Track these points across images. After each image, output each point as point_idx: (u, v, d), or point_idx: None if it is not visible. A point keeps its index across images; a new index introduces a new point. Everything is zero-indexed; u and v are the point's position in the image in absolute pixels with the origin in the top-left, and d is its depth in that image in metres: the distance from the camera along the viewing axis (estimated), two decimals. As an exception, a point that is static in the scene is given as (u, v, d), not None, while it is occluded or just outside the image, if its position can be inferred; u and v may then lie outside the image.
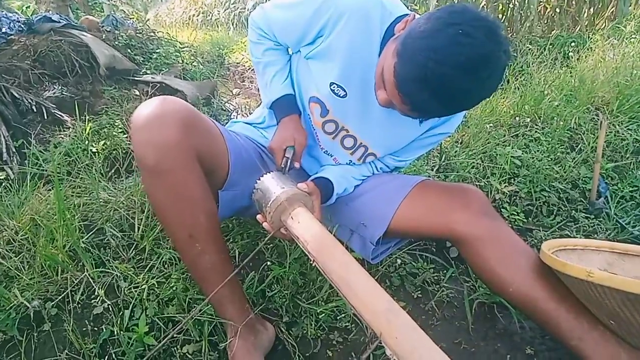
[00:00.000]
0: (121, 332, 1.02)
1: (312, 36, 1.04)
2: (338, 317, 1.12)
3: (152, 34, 3.67)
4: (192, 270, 1.01)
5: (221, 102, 2.94)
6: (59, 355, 1.01)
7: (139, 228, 1.27)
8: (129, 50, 3.20)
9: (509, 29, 3.87)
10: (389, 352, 0.69)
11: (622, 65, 2.50)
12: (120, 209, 1.33)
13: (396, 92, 0.82)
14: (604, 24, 3.67)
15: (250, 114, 1.34)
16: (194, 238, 0.95)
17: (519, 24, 3.83)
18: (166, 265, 1.17)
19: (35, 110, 2.29)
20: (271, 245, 1.27)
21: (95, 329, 1.07)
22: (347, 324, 1.12)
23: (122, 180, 1.68)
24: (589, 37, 3.28)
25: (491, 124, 1.98)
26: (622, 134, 1.99)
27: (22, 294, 1.07)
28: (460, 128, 1.98)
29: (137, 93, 2.78)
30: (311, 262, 0.86)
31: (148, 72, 3.06)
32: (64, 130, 2.23)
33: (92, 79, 2.75)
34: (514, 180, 1.67)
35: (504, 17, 3.89)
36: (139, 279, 1.12)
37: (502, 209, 1.53)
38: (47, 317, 1.07)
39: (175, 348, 1.03)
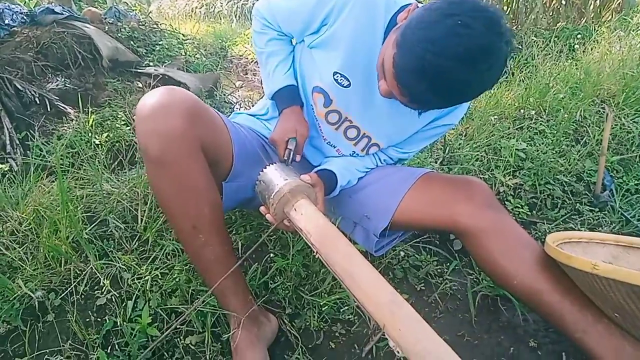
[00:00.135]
0: (124, 323, 1.02)
1: (317, 25, 1.03)
2: (341, 309, 1.12)
3: (154, 26, 3.66)
4: (196, 261, 1.01)
5: (224, 95, 2.93)
6: (63, 346, 1.01)
7: (142, 219, 1.27)
8: (131, 43, 3.19)
9: (513, 21, 3.83)
10: (392, 344, 0.69)
11: (628, 58, 2.48)
12: (123, 201, 1.33)
13: (395, 83, 0.81)
14: (610, 16, 3.63)
15: (253, 106, 1.33)
16: (197, 229, 0.95)
17: (524, 16, 3.79)
18: (169, 257, 1.17)
19: (38, 102, 2.29)
20: (274, 237, 1.27)
21: (99, 319, 1.07)
22: (350, 316, 1.12)
23: (125, 172, 1.67)
24: (594, 29, 3.24)
25: (496, 116, 1.96)
26: (628, 127, 1.97)
27: (26, 285, 1.07)
28: (464, 120, 1.97)
29: (140, 85, 2.77)
30: (314, 254, 0.85)
31: (151, 64, 3.05)
32: (67, 123, 2.23)
33: (95, 71, 2.74)
34: (519, 173, 1.65)
35: (509, 9, 3.84)
36: (142, 270, 1.12)
37: (506, 202, 1.52)
38: (51, 308, 1.07)
39: (178, 339, 1.03)
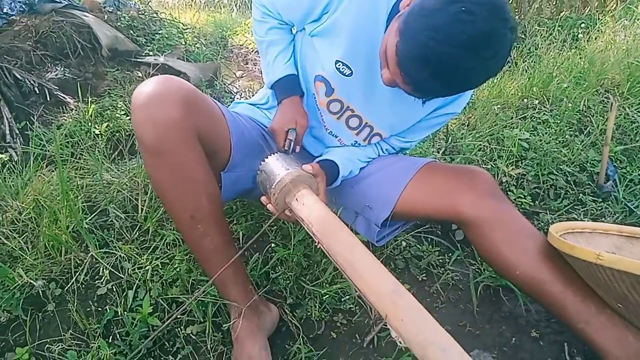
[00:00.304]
0: (125, 312, 1.02)
1: (318, 13, 1.01)
2: (342, 299, 1.12)
3: (154, 15, 3.62)
4: (195, 251, 1.01)
5: (224, 84, 2.90)
6: (64, 335, 1.01)
7: (142, 209, 1.26)
8: (131, 32, 3.16)
9: (517, 10, 3.79)
10: (394, 334, 0.68)
11: (633, 47, 2.45)
12: (123, 191, 1.33)
13: (398, 71, 0.80)
14: (614, 5, 3.58)
15: (253, 96, 1.32)
16: (195, 219, 0.94)
17: (527, 5, 3.74)
18: (170, 247, 1.17)
19: (37, 91, 2.27)
20: (275, 227, 1.27)
21: (99, 309, 1.07)
22: (351, 306, 1.12)
23: (125, 162, 1.67)
24: (599, 18, 3.20)
25: (499, 106, 1.95)
26: (632, 117, 1.95)
27: (26, 274, 1.07)
28: (467, 110, 1.95)
29: (140, 75, 2.75)
30: (316, 244, 0.85)
31: (151, 53, 3.02)
32: (67, 112, 2.22)
33: (94, 61, 2.72)
34: (521, 163, 1.64)
35: (513, -3, 3.80)
36: (143, 260, 1.11)
37: (509, 192, 1.51)
38: (52, 298, 1.07)
39: (179, 329, 1.03)
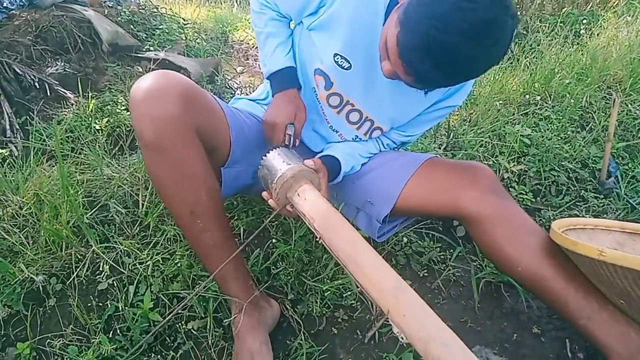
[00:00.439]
0: (126, 307, 1.02)
1: (314, 5, 1.00)
2: (344, 295, 1.11)
3: (155, 10, 3.60)
4: (195, 247, 1.00)
5: (225, 80, 2.89)
6: (64, 330, 1.01)
7: (143, 205, 1.26)
8: (131, 27, 3.15)
9: (518, 6, 3.77)
10: (396, 330, 0.68)
11: (635, 43, 2.43)
12: (124, 186, 1.32)
13: (399, 62, 0.79)
14: (617, 1, 3.56)
15: (254, 92, 1.31)
16: (195, 215, 0.94)
17: (529, 1, 3.73)
18: (170, 242, 1.17)
19: (37, 86, 2.26)
20: (276, 222, 1.26)
21: (100, 304, 1.07)
22: (352, 301, 1.12)
23: (126, 157, 1.66)
24: (601, 14, 3.19)
25: (500, 102, 1.94)
26: (635, 113, 1.94)
27: (27, 269, 1.06)
28: (468, 106, 1.94)
29: (140, 70, 2.74)
30: (317, 240, 0.84)
31: (151, 48, 3.01)
32: (67, 107, 2.21)
33: (94, 56, 2.71)
34: (523, 159, 1.64)
35: (515, -7, 3.78)
36: (144, 255, 1.11)
37: (510, 188, 1.51)
38: (52, 293, 1.07)
39: (180, 324, 1.03)
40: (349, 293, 1.11)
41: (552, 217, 1.42)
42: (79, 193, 1.26)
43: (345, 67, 1.02)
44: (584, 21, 3.16)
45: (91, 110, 2.04)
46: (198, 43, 3.43)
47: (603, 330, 0.90)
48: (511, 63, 2.43)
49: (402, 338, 0.67)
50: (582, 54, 2.41)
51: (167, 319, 0.95)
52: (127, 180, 1.36)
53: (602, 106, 2.00)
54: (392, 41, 0.79)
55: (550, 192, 1.56)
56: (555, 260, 0.95)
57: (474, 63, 0.76)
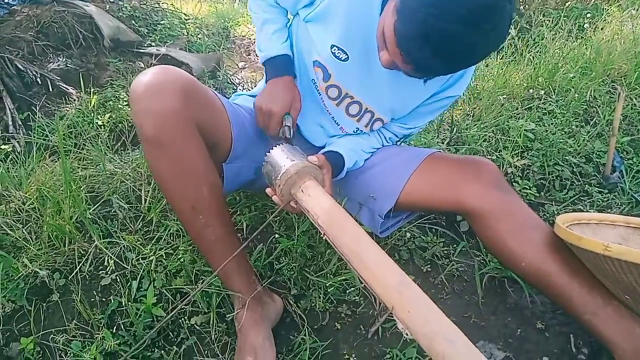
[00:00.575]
0: (129, 303, 1.02)
1: None
2: (347, 291, 1.11)
3: (156, 5, 3.59)
4: (197, 242, 1.00)
5: (227, 75, 2.89)
6: (68, 325, 1.01)
7: (145, 200, 1.26)
8: (133, 22, 3.14)
9: (521, 1, 3.75)
10: (400, 326, 0.68)
11: (640, 37, 2.42)
12: (126, 181, 1.32)
13: (397, 51, 0.78)
14: (621, -6, 3.53)
15: (255, 87, 1.30)
16: (197, 210, 0.93)
17: (533, -6, 3.70)
18: (173, 237, 1.17)
19: (39, 82, 2.26)
20: (279, 218, 1.26)
21: (104, 299, 1.07)
22: (355, 297, 1.12)
23: (129, 153, 1.66)
24: (605, 8, 3.16)
25: (504, 96, 1.93)
26: (639, 107, 1.93)
27: (31, 264, 1.06)
28: (472, 100, 1.93)
29: (142, 65, 2.73)
30: (321, 236, 0.84)
31: (153, 44, 3.00)
32: (69, 103, 2.21)
33: (96, 51, 2.70)
34: (527, 153, 1.63)
35: (518, -13, 3.75)
36: (147, 250, 1.11)
37: (514, 183, 1.50)
38: (56, 288, 1.07)
39: (183, 319, 1.03)
40: (353, 289, 1.11)
41: (556, 212, 1.41)
42: (81, 188, 1.26)
43: (343, 59, 1.02)
44: (588, 15, 3.13)
45: (93, 106, 2.04)
46: (200, 38, 3.42)
47: (608, 326, 0.89)
48: (515, 57, 2.41)
49: (407, 334, 0.67)
50: (586, 48, 2.39)
51: (170, 314, 0.95)
52: (130, 175, 1.36)
53: (607, 100, 1.99)
54: (389, 30, 0.78)
55: (554, 186, 1.55)
56: (559, 255, 0.95)
57: (473, 49, 0.75)
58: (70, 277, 1.09)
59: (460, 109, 1.88)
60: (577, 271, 0.94)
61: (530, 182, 1.52)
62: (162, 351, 0.99)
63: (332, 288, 1.09)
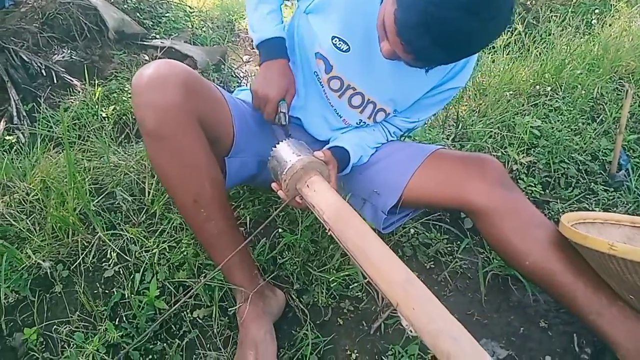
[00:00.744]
0: (132, 295, 1.02)
1: None
2: (350, 286, 1.11)
3: (161, -3, 3.58)
4: (199, 236, 1.00)
5: (231, 69, 2.88)
6: (71, 317, 1.01)
7: (149, 193, 1.26)
8: (137, 14, 3.13)
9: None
10: (404, 323, 0.68)
11: (649, 34, 2.39)
12: (130, 173, 1.32)
13: (398, 41, 0.77)
14: (630, -9, 3.49)
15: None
16: (199, 204, 0.93)
17: (540, -10, 3.66)
18: (177, 230, 1.17)
19: (44, 74, 2.26)
20: (283, 212, 1.26)
21: (106, 291, 1.08)
22: (358, 293, 1.11)
23: (132, 145, 1.66)
24: (613, 4, 3.13)
25: (510, 92, 1.91)
26: (647, 105, 1.91)
27: (34, 255, 1.07)
28: (477, 96, 1.92)
29: (147, 58, 2.72)
30: (325, 231, 0.84)
31: (157, 36, 2.99)
32: (74, 95, 2.21)
33: (101, 43, 2.70)
34: (532, 150, 1.62)
35: (525, -18, 3.71)
36: (150, 243, 1.11)
37: (519, 180, 1.49)
38: (59, 279, 1.07)
39: (185, 312, 1.03)
40: (355, 284, 1.11)
41: (561, 210, 1.40)
42: (85, 180, 1.26)
43: (344, 50, 1.01)
44: (596, 11, 3.10)
45: (97, 98, 2.04)
46: (204, 31, 3.41)
47: (612, 326, 0.89)
48: (521, 53, 2.39)
49: (411, 331, 0.67)
50: (594, 44, 2.37)
51: (173, 307, 0.95)
52: (134, 168, 1.35)
53: (614, 98, 1.97)
54: (389, 20, 0.77)
55: (560, 184, 1.54)
56: (563, 254, 0.94)
57: (474, 38, 0.74)
58: (73, 268, 1.09)
59: (466, 105, 1.87)
60: (582, 270, 0.93)
61: (536, 179, 1.50)
62: (165, 344, 0.99)
63: (335, 283, 1.08)
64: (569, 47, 2.34)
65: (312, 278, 1.12)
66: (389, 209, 1.09)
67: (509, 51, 2.40)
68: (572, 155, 1.61)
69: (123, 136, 1.86)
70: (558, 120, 1.76)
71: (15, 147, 1.64)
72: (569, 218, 1.00)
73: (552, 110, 1.85)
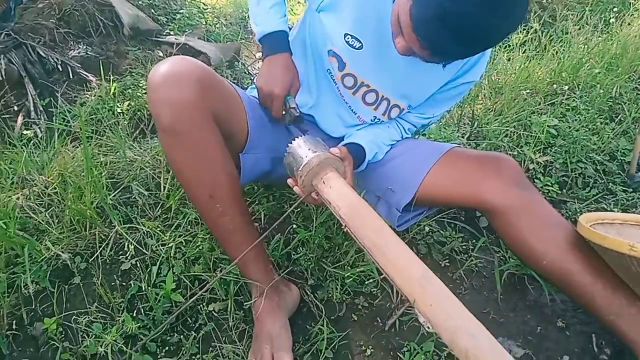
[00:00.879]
0: (149, 288, 1.03)
1: None
2: (365, 282, 1.11)
3: (175, -7, 3.60)
4: (214, 231, 1.01)
5: (244, 66, 2.89)
6: (89, 308, 1.03)
7: (164, 187, 1.27)
8: (152, 11, 3.15)
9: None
10: (421, 319, 0.67)
11: (669, 32, 2.35)
12: (146, 168, 1.33)
13: (414, 36, 0.77)
14: (650, -11, 3.43)
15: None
16: (214, 199, 0.94)
17: (557, -12, 3.62)
18: (192, 225, 1.17)
19: (60, 69, 2.29)
20: (298, 209, 1.26)
21: (124, 284, 1.09)
22: (373, 289, 1.11)
23: (147, 141, 1.67)
24: (632, 2, 3.08)
25: (527, 91, 1.89)
26: (667, 105, 1.88)
27: (53, 247, 1.08)
28: (493, 95, 1.90)
29: (161, 54, 2.74)
30: (341, 227, 0.84)
31: (171, 33, 3.01)
32: (89, 90, 2.23)
33: (116, 39, 2.72)
34: (549, 150, 1.60)
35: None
36: (166, 237, 1.12)
37: (535, 180, 1.48)
38: (77, 271, 1.08)
39: (201, 305, 1.04)
40: (370, 281, 1.10)
41: (578, 210, 1.38)
42: (102, 174, 1.27)
43: (357, 47, 1.01)
44: (615, 9, 3.06)
45: (113, 94, 2.06)
46: (218, 28, 3.43)
47: (632, 327, 0.88)
48: (538, 52, 2.37)
49: (428, 327, 0.67)
50: (612, 43, 2.33)
51: (190, 300, 0.96)
52: (149, 163, 1.36)
53: (633, 97, 1.94)
54: (405, 16, 0.77)
55: (577, 184, 1.52)
56: (581, 254, 0.93)
57: (492, 30, 0.74)
58: (91, 260, 1.10)
59: (481, 104, 1.86)
60: (601, 271, 0.92)
61: (552, 179, 1.49)
62: (181, 336, 1.00)
63: (350, 280, 1.08)
64: (586, 46, 2.31)
65: (327, 274, 1.12)
66: (403, 207, 1.09)
67: (525, 50, 2.37)
68: (590, 155, 1.59)
69: (138, 132, 1.88)
70: (575, 120, 1.74)
71: (33, 141, 1.66)
72: (587, 218, 0.99)
73: (570, 109, 1.83)
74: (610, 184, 1.52)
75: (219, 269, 1.07)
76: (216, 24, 3.56)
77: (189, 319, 1.04)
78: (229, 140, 0.98)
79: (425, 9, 0.73)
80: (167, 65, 0.88)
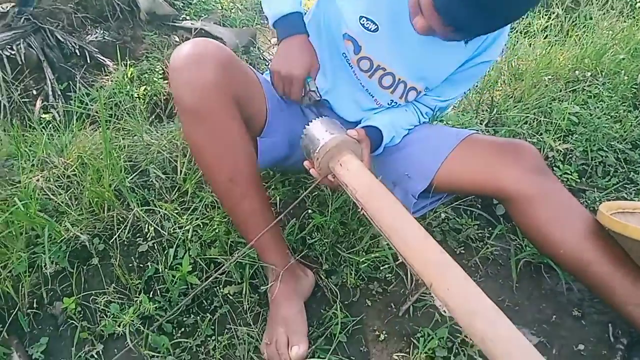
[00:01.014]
0: (165, 270, 1.04)
1: None
2: (379, 268, 1.11)
3: (191, -22, 3.59)
4: (232, 215, 1.01)
5: (260, 51, 2.87)
6: (107, 289, 1.05)
7: (181, 171, 1.28)
8: (168, -5, 3.15)
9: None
10: (438, 303, 0.68)
11: (698, 17, 2.27)
12: (163, 152, 1.34)
13: (435, 14, 0.76)
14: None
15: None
16: (234, 182, 0.94)
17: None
18: (208, 208, 1.18)
19: (78, 53, 2.31)
20: (313, 194, 1.26)
21: (141, 265, 1.10)
22: (387, 275, 1.11)
23: (164, 125, 1.68)
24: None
25: (548, 77, 1.84)
26: (693, 93, 1.82)
27: (72, 228, 1.10)
28: (513, 81, 1.86)
29: (177, 39, 2.74)
30: (357, 211, 0.83)
31: (187, 17, 3.01)
32: (107, 75, 2.25)
33: (132, 24, 2.73)
34: (570, 137, 1.56)
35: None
36: (183, 220, 1.13)
37: (555, 168, 1.45)
38: (95, 252, 1.10)
39: (217, 288, 1.05)
40: (385, 266, 1.10)
41: (597, 199, 1.36)
42: (120, 157, 1.28)
43: (372, 29, 1.00)
44: (641, -6, 2.95)
45: (130, 78, 2.07)
46: (233, 13, 3.41)
47: (651, 317, 0.86)
48: (560, 37, 2.31)
49: (444, 311, 0.66)
50: (638, 28, 2.26)
51: (205, 282, 0.97)
52: (166, 147, 1.37)
53: (659, 84, 1.88)
54: None
55: (597, 172, 1.49)
56: (601, 243, 0.92)
57: (514, 2, 0.73)
58: (110, 242, 1.12)
59: (501, 90, 1.82)
60: (621, 261, 0.91)
61: (572, 167, 1.46)
62: (197, 317, 1.02)
63: (364, 265, 1.08)
64: (611, 31, 2.24)
65: (341, 259, 1.12)
66: (419, 193, 1.08)
67: (547, 35, 2.31)
68: (611, 143, 1.56)
69: (154, 116, 1.89)
70: (597, 107, 1.69)
71: (52, 124, 1.68)
72: (607, 207, 0.97)
73: (592, 96, 1.78)
74: (632, 173, 1.49)
75: (235, 252, 1.08)
76: (232, 8, 3.54)
77: (204, 301, 1.05)
78: (247, 123, 0.98)
79: None
80: (189, 47, 0.88)
